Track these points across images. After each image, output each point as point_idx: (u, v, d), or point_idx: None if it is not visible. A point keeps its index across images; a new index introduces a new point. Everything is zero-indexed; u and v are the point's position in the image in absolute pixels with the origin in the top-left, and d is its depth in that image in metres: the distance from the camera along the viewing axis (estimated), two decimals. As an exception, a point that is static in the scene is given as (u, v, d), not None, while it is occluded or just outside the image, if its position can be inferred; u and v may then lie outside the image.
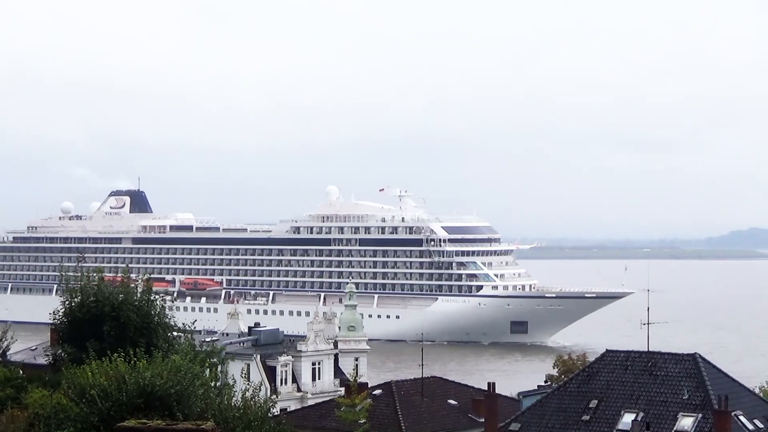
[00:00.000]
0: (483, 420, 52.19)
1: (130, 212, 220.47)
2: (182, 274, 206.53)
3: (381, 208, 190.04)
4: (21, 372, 48.87)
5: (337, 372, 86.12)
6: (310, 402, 75.58)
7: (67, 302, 47.35)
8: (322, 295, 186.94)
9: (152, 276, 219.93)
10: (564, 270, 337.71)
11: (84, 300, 46.81)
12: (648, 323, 58.55)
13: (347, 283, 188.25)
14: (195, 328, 55.38)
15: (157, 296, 48.43)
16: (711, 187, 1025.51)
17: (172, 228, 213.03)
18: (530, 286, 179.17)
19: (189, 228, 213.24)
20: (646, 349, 48.71)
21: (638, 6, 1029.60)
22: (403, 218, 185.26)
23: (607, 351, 49.41)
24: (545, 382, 72.85)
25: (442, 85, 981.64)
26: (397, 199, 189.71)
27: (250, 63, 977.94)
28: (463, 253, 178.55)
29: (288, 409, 71.22)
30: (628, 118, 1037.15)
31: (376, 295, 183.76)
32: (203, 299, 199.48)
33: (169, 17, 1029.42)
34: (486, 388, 52.08)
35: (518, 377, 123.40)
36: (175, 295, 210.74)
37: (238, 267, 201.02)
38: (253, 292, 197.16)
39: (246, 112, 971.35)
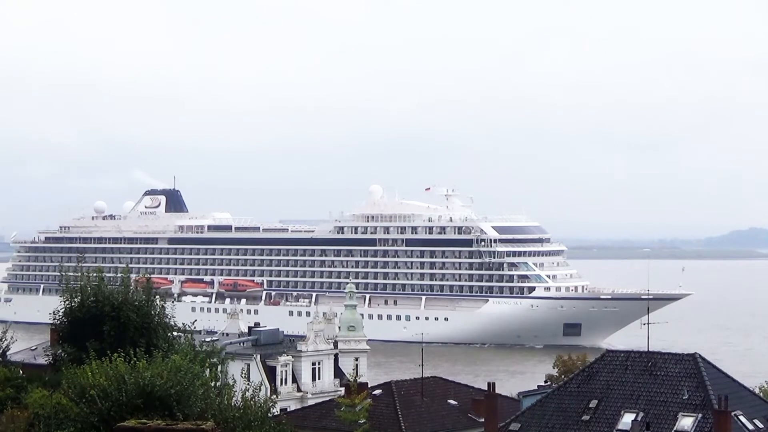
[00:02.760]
0: (483, 420, 52.17)
1: (165, 212, 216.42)
2: (221, 275, 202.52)
3: (427, 208, 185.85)
4: (21, 372, 48.86)
5: (337, 372, 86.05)
6: (310, 402, 75.55)
7: (67, 302, 47.34)
8: (367, 296, 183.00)
9: (190, 277, 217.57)
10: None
11: (84, 300, 46.79)
12: (648, 323, 58.51)
13: (393, 284, 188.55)
14: (195, 328, 55.27)
15: (157, 296, 48.26)
16: (711, 187, 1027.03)
17: (210, 228, 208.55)
18: (582, 287, 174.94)
19: (228, 228, 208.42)
20: (646, 349, 48.68)
21: (629, 8, 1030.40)
22: (450, 218, 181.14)
23: (607, 351, 49.41)
24: (545, 382, 72.85)
25: (433, 88, 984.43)
26: (443, 199, 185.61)
27: (242, 65, 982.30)
28: (513, 254, 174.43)
29: (288, 409, 71.22)
30: (624, 119, 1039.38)
31: (423, 297, 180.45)
32: (243, 301, 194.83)
33: (162, 20, 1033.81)
34: (486, 388, 52.06)
35: (518, 377, 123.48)
36: (213, 296, 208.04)
37: (279, 268, 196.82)
38: (294, 293, 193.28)
39: (239, 113, 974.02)
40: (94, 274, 48.09)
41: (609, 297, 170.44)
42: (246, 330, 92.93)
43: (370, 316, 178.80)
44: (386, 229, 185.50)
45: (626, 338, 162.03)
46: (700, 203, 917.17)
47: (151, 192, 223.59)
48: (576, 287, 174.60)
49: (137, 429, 24.41)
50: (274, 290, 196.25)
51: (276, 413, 52.08)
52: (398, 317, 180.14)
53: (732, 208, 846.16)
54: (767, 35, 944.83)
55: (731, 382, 46.62)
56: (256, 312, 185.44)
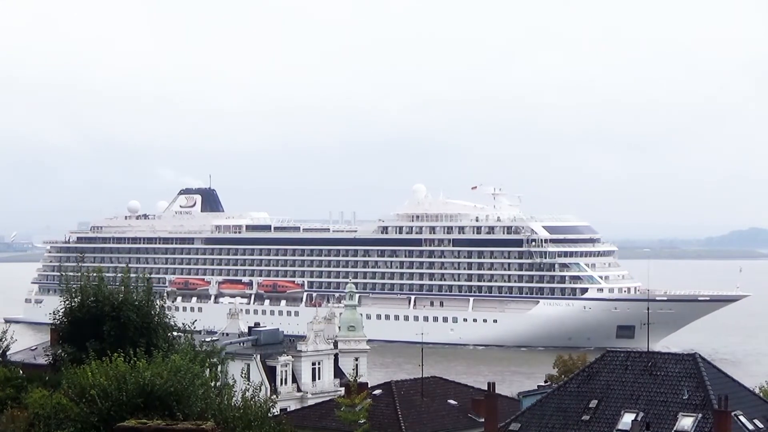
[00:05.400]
0: (483, 420, 52.17)
1: (201, 211, 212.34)
2: (260, 275, 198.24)
3: (473, 207, 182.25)
4: (21, 372, 48.85)
5: (337, 372, 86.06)
6: (310, 402, 75.57)
7: (67, 302, 47.31)
8: (412, 297, 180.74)
9: (227, 278, 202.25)
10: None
11: (84, 300, 46.78)
12: (648, 323, 58.54)
13: (440, 285, 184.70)
14: (195, 328, 55.23)
15: (156, 295, 48.22)
16: (711, 187, 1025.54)
17: (249, 228, 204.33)
18: (635, 288, 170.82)
19: (267, 228, 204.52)
20: (646, 350, 48.70)
21: (624, 8, 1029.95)
22: (498, 217, 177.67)
23: (608, 351, 49.41)
24: (545, 382, 72.86)
25: (428, 87, 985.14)
26: (490, 198, 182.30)
27: (236, 66, 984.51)
28: (565, 254, 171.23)
29: (288, 409, 71.23)
30: (623, 118, 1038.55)
31: (471, 298, 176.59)
32: (283, 302, 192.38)
33: (156, 20, 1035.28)
34: (486, 388, 52.06)
35: (518, 377, 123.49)
36: (252, 297, 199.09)
37: (321, 269, 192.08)
38: (337, 294, 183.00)
39: (232, 113, 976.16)
40: (94, 274, 48.09)
41: (665, 299, 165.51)
42: (246, 330, 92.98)
43: (416, 318, 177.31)
44: (432, 229, 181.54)
45: (680, 341, 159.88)
46: (700, 203, 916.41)
47: (186, 191, 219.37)
48: (628, 288, 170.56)
49: (137, 429, 24.42)
50: (315, 291, 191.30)
51: (276, 413, 52.07)
52: (445, 319, 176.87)
53: (732, 208, 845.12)
54: (763, 35, 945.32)
55: (731, 382, 46.63)
56: (296, 314, 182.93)
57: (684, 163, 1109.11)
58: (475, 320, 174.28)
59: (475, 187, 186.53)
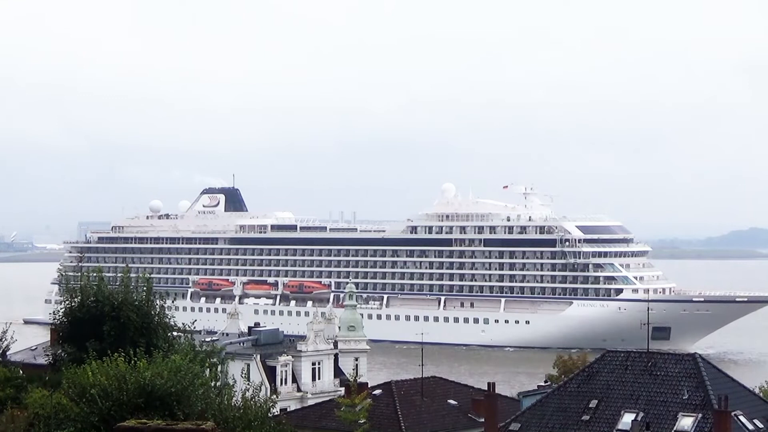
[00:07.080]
0: (483, 420, 52.16)
1: (225, 211, 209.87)
2: (285, 276, 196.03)
3: (504, 207, 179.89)
4: (21, 372, 48.87)
5: (337, 372, 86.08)
6: (310, 402, 75.60)
7: (67, 302, 47.32)
8: (442, 298, 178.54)
9: (252, 278, 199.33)
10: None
11: (84, 300, 46.78)
12: (648, 324, 58.60)
13: (470, 286, 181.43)
14: (195, 328, 55.24)
15: (156, 295, 48.22)
16: (711, 187, 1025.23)
17: (274, 227, 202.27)
18: (670, 289, 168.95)
19: (292, 227, 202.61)
20: (646, 349, 48.71)
21: (619, 7, 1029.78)
22: (530, 217, 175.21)
23: (607, 351, 49.43)
24: (545, 382, 72.87)
25: (423, 87, 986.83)
26: (521, 197, 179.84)
27: (231, 66, 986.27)
28: (599, 254, 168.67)
29: (288, 409, 71.24)
30: (623, 117, 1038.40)
31: (502, 299, 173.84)
32: (309, 303, 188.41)
33: (150, 21, 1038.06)
34: (486, 388, 52.06)
35: (518, 377, 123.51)
36: (278, 298, 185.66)
37: (348, 269, 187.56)
38: (365, 295, 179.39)
39: (226, 112, 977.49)
40: (94, 274, 48.10)
41: (701, 300, 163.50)
42: (246, 330, 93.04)
43: (446, 319, 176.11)
44: (462, 229, 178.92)
45: (716, 343, 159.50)
46: (700, 203, 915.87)
47: (209, 191, 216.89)
48: (663, 289, 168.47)
49: (137, 429, 24.40)
50: (342, 292, 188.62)
51: (276, 413, 52.08)
52: (476, 320, 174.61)
53: (732, 208, 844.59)
54: (762, 36, 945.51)
55: (731, 382, 46.62)
56: (323, 315, 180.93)
57: (684, 163, 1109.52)
58: (506, 321, 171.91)
59: (506, 186, 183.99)
